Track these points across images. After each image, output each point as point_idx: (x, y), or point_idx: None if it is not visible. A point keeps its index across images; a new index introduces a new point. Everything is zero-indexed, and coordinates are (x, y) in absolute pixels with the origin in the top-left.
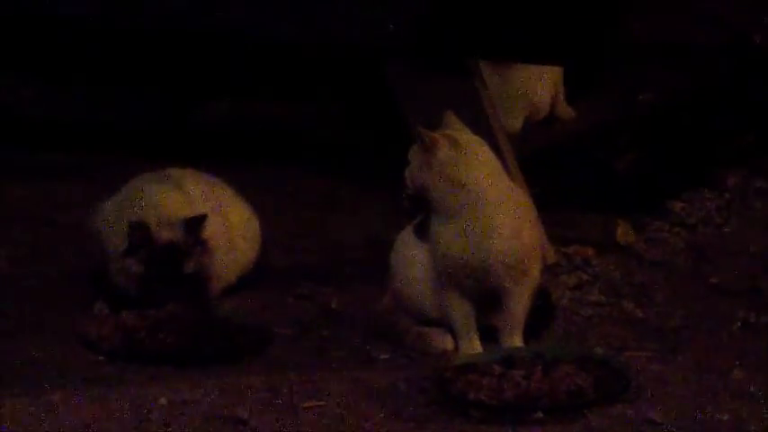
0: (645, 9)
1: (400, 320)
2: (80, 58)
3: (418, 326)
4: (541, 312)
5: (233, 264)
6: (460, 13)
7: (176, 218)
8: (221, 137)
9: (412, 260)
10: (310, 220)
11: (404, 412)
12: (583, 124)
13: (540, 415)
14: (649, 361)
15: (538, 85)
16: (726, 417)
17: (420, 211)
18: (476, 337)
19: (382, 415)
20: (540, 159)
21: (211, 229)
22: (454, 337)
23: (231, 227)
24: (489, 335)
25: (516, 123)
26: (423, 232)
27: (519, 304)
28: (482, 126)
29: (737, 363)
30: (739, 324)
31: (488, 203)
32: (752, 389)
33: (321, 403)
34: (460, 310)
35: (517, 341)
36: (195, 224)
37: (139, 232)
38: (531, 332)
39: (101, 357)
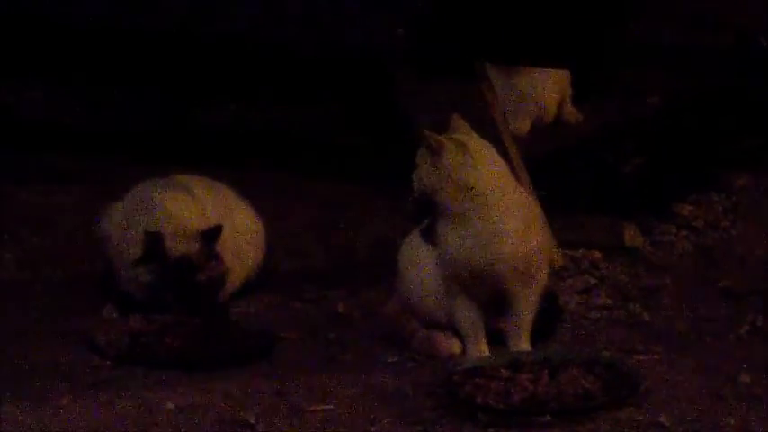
0: (649, 11)
1: (407, 324)
2: (85, 62)
3: (425, 329)
4: (549, 316)
5: (239, 268)
6: (465, 17)
7: (193, 230)
8: (227, 140)
9: (419, 264)
10: (317, 224)
11: (411, 416)
12: (589, 127)
13: (548, 418)
14: (656, 364)
15: (545, 89)
16: (733, 420)
17: (427, 214)
18: (483, 340)
19: (389, 418)
20: (546, 162)
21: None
22: (461, 340)
23: (237, 232)
24: (497, 338)
25: (523, 126)
26: (430, 236)
27: (526, 308)
28: (489, 129)
29: (745, 366)
30: (747, 327)
31: (495, 207)
32: (759, 392)
33: (328, 407)
34: (468, 314)
35: (524, 344)
36: (211, 236)
37: (155, 243)
38: (538, 336)
39: (108, 361)
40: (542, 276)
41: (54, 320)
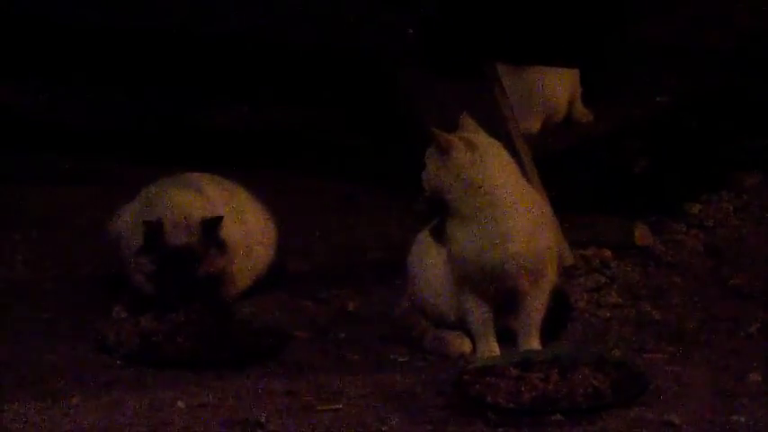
0: (658, 11)
1: (417, 323)
2: (86, 62)
3: (435, 328)
4: (559, 314)
5: (250, 268)
6: (474, 16)
7: (192, 219)
8: (239, 140)
9: (429, 263)
10: (327, 223)
11: (421, 415)
12: (600, 126)
13: (558, 417)
14: (667, 363)
15: (555, 88)
16: (743, 419)
17: (436, 213)
18: (493, 339)
19: (399, 418)
20: (557, 161)
21: (229, 233)
22: (471, 339)
23: (249, 231)
24: (507, 337)
25: (534, 125)
26: (439, 235)
27: (536, 306)
28: (499, 128)
29: (755, 364)
30: (757, 326)
31: (505, 206)
32: None
33: (338, 406)
34: (478, 313)
35: (535, 343)
36: (211, 226)
37: (154, 232)
38: (548, 334)
39: (118, 361)
40: (552, 275)
41: (64, 321)
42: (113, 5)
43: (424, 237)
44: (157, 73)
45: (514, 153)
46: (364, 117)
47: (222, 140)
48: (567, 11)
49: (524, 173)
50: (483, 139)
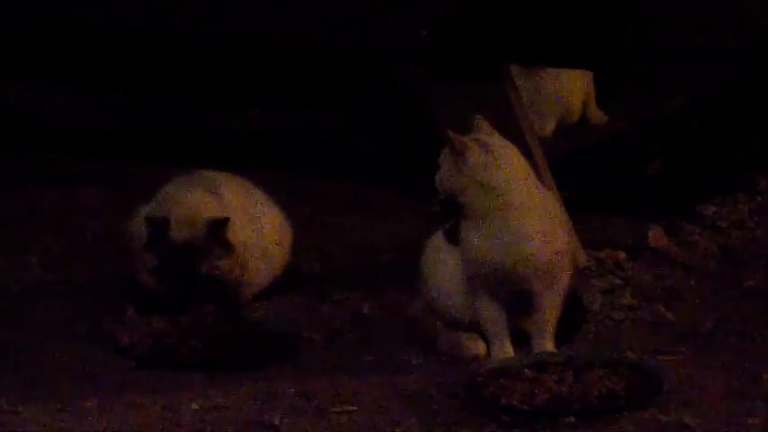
0: (673, 12)
1: (431, 325)
2: (88, 63)
3: (449, 330)
4: (573, 316)
5: (267, 269)
6: (489, 18)
7: (198, 217)
8: (253, 142)
9: (443, 265)
10: (341, 225)
11: (435, 417)
12: (614, 128)
13: (572, 419)
14: (681, 364)
15: (569, 89)
16: (758, 420)
17: (450, 215)
18: (507, 341)
19: (413, 420)
20: (571, 163)
21: (245, 234)
22: (486, 341)
23: (264, 232)
24: (521, 339)
25: (548, 127)
26: (453, 237)
27: (550, 308)
28: (513, 130)
29: None
30: None
31: (519, 208)
32: None
33: (352, 408)
34: (492, 315)
35: (549, 345)
36: (217, 226)
37: (158, 228)
38: (562, 336)
39: (132, 363)
40: (566, 277)
41: (78, 322)
42: (117, 6)
43: (438, 239)
44: (160, 74)
45: (528, 155)
46: (378, 119)
47: (236, 142)
48: (581, 12)
49: (538, 175)
50: (497, 141)
